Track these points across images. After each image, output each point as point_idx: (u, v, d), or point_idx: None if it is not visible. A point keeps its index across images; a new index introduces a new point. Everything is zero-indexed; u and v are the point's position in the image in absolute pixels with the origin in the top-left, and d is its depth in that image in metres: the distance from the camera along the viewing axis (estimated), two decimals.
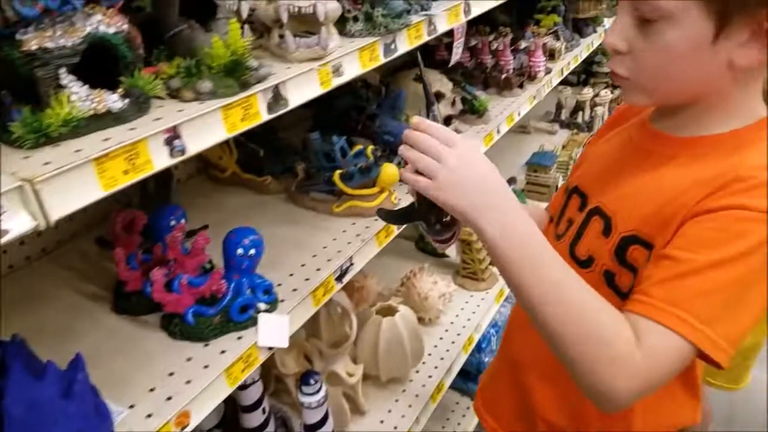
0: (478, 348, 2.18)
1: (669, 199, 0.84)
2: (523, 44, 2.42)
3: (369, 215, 1.55)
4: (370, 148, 1.54)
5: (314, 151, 1.55)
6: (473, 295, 2.24)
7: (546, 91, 2.45)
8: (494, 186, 0.80)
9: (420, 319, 2.08)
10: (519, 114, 2.25)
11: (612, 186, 0.95)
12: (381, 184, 1.55)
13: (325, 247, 1.43)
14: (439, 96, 1.86)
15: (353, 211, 1.55)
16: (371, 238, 1.48)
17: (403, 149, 0.84)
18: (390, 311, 1.82)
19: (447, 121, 1.91)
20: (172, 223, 1.28)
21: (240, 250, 1.18)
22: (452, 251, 2.26)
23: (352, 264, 1.41)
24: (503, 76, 2.31)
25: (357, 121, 1.75)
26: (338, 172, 1.52)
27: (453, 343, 2.03)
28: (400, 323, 1.77)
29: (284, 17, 1.07)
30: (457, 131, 1.97)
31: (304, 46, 1.08)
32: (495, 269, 2.27)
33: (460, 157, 0.79)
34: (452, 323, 2.12)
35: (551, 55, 2.58)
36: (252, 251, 1.19)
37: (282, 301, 1.25)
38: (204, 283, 1.16)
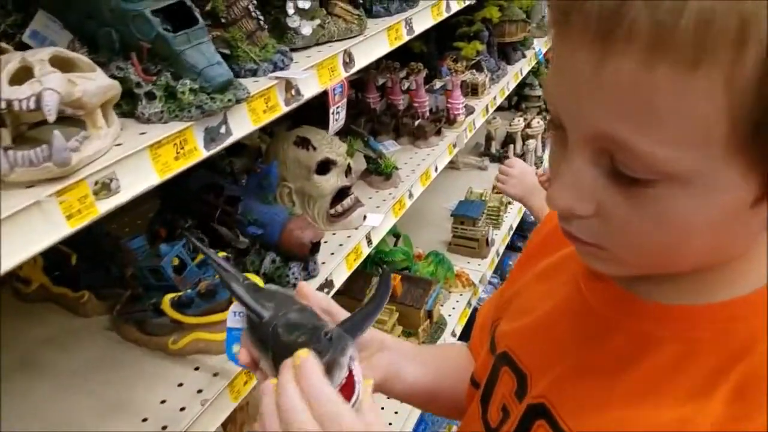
0: None
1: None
2: (438, 84, 2.02)
3: (221, 352, 1.10)
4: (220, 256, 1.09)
5: (137, 266, 1.09)
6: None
7: (468, 137, 2.07)
8: None
9: None
10: (436, 169, 1.85)
11: (561, 373, 0.59)
12: None
13: (145, 420, 0.98)
14: (328, 163, 1.44)
15: (197, 347, 1.10)
16: (221, 391, 1.03)
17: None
18: None
19: (342, 192, 1.49)
20: None
21: None
22: None
23: None
24: (416, 123, 1.90)
25: (214, 206, 1.30)
26: (169, 297, 1.06)
27: None
28: None
29: None
30: (358, 202, 1.55)
31: (24, 163, 0.63)
32: None
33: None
34: None
35: (474, 90, 2.20)
36: None
37: None
38: None
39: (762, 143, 0.39)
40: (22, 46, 0.90)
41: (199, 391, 1.02)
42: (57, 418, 0.99)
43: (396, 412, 1.76)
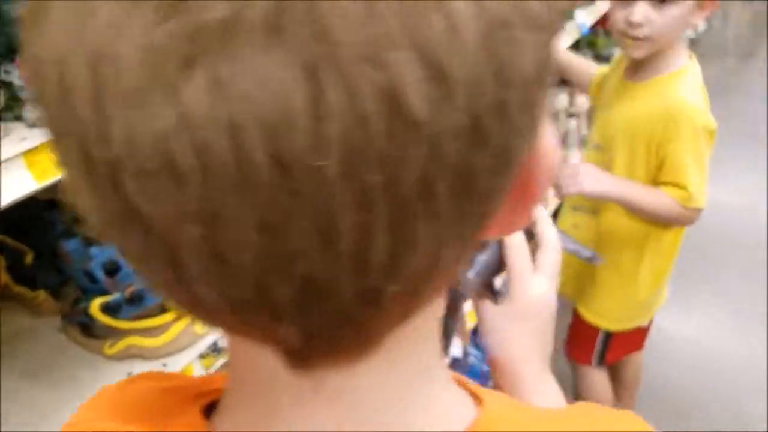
0: None
1: None
2: None
3: (156, 358, 1.08)
4: None
5: (72, 268, 1.09)
6: None
7: None
8: None
9: None
10: None
11: None
12: (177, 310, 1.08)
13: None
14: None
15: (131, 352, 1.08)
16: None
17: None
18: None
19: None
20: None
21: None
22: None
23: None
24: None
25: None
26: (98, 301, 1.05)
27: None
28: None
29: None
30: None
31: None
32: None
33: None
34: None
35: None
36: None
37: None
38: None
39: None
40: None
41: None
42: None
43: None
